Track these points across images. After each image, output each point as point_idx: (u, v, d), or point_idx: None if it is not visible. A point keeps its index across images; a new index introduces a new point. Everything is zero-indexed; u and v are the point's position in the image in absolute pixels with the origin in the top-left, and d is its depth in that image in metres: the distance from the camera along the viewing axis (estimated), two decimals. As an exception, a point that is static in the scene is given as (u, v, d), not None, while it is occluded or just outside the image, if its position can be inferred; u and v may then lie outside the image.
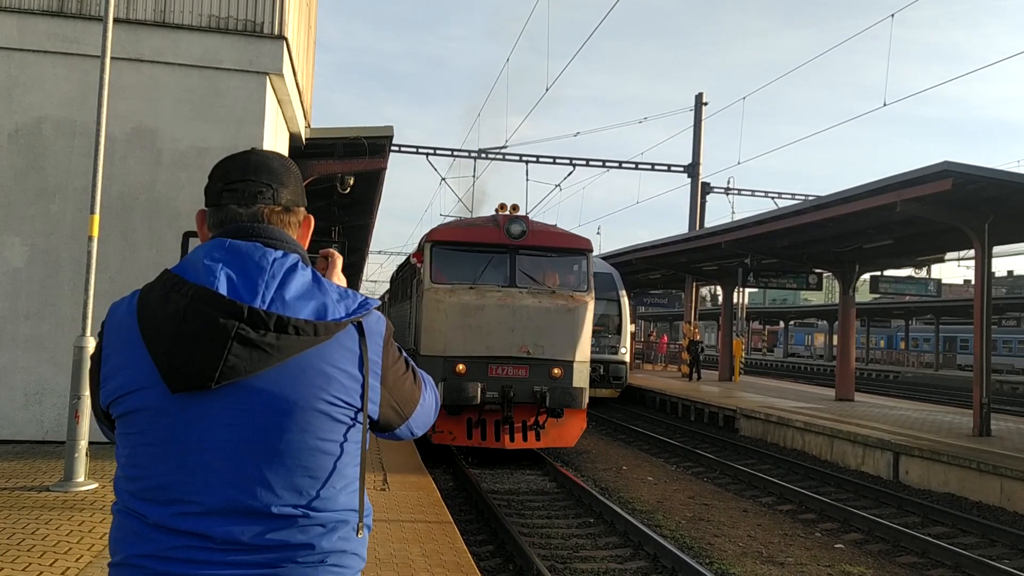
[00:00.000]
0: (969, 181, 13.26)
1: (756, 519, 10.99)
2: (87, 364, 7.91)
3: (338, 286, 1.73)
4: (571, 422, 13.62)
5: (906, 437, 14.45)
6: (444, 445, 13.59)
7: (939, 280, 26.82)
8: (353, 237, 25.54)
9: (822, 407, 19.84)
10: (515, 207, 14.16)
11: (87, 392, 7.65)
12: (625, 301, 23.44)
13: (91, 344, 7.75)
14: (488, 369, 12.88)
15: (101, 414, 1.74)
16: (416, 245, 18.13)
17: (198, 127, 10.56)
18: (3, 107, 10.34)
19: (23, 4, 10.28)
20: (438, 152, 31.05)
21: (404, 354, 1.87)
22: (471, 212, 30.18)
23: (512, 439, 13.22)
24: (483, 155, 31.73)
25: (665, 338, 46.90)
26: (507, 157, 31.50)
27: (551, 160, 30.39)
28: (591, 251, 14.28)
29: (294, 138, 13.79)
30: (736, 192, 33.03)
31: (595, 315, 15.19)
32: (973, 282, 15.70)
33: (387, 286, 31.22)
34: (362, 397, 1.70)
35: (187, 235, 11.28)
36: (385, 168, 15.90)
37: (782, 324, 75.74)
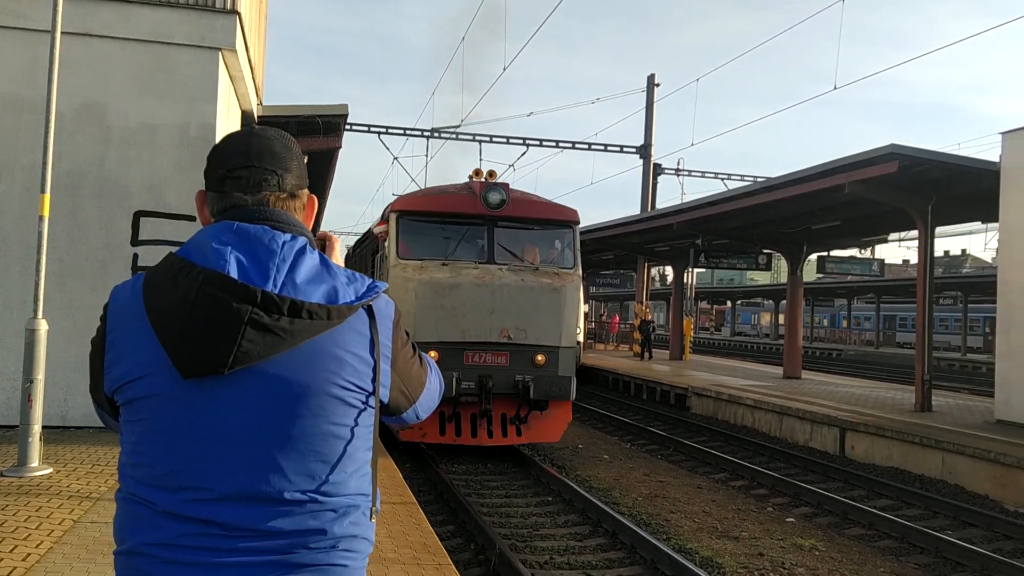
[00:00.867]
0: (914, 164, 13.61)
1: (710, 495, 11.23)
2: (40, 346, 7.77)
3: (345, 269, 1.72)
4: (556, 415, 12.32)
5: (851, 413, 14.86)
6: (413, 443, 12.28)
7: (882, 260, 27.55)
8: (304, 217, 25.20)
9: (771, 385, 20.28)
10: (492, 173, 12.58)
11: (41, 376, 7.48)
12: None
13: (43, 326, 7.56)
14: (464, 356, 11.54)
15: (104, 400, 1.71)
16: (372, 222, 17.10)
17: (149, 103, 10.30)
18: (-57, 81, 9.96)
19: (-37, -25, 9.89)
20: (391, 131, 30.78)
21: (410, 337, 1.87)
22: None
23: (490, 435, 11.96)
24: (436, 134, 31.52)
25: (617, 318, 47.34)
26: (460, 137, 31.35)
27: (505, 140, 30.35)
28: (578, 223, 12.80)
29: (246, 116, 13.54)
30: (687, 173, 33.39)
31: None
32: (912, 262, 16.15)
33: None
34: (374, 381, 1.70)
35: (138, 215, 11.09)
36: (339, 147, 15.72)
37: (729, 304, 77.00)
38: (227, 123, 11.45)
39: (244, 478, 1.60)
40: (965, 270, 74.14)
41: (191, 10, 10.43)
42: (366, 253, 16.31)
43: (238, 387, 1.60)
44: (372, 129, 30.74)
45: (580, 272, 12.45)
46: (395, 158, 31.04)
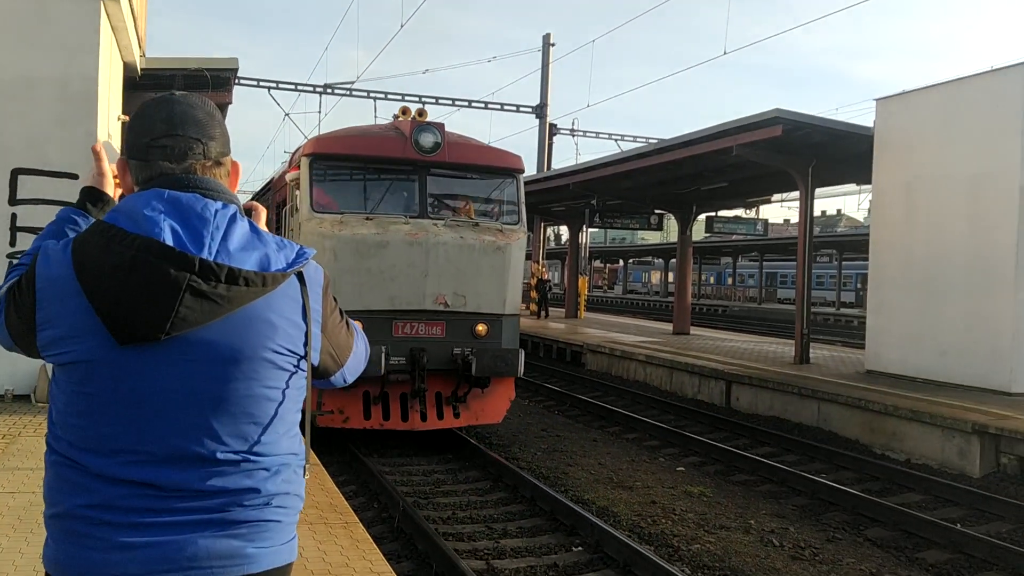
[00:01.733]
0: (797, 128, 14.23)
1: (605, 448, 11.65)
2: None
3: (275, 236, 1.77)
4: (498, 392, 10.90)
5: (736, 367, 15.61)
6: (332, 429, 10.22)
7: (766, 220, 28.74)
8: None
9: (661, 341, 21.02)
10: (422, 112, 10.82)
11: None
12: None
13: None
14: (392, 327, 9.99)
15: (25, 343, 1.70)
16: (273, 173, 15.00)
17: (26, 55, 9.70)
18: None
19: None
20: (281, 86, 29.84)
21: (337, 302, 1.94)
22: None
23: (424, 418, 10.38)
24: (329, 90, 30.78)
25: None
26: (354, 93, 30.72)
27: (400, 97, 29.89)
28: (523, 172, 11.24)
29: (128, 68, 12.92)
30: (581, 134, 33.79)
31: None
32: (793, 222, 16.96)
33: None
34: (305, 345, 1.77)
35: (16, 172, 10.48)
36: (230, 102, 15.21)
37: (621, 262, 78.80)
38: (109, 77, 10.92)
39: (180, 440, 1.65)
40: (840, 229, 78.07)
41: (68, -45, 9.84)
42: (268, 206, 14.81)
43: (174, 353, 1.63)
44: (262, 84, 29.70)
45: (525, 229, 11.08)
46: (287, 114, 30.29)
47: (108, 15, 10.39)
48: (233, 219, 1.70)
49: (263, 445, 1.72)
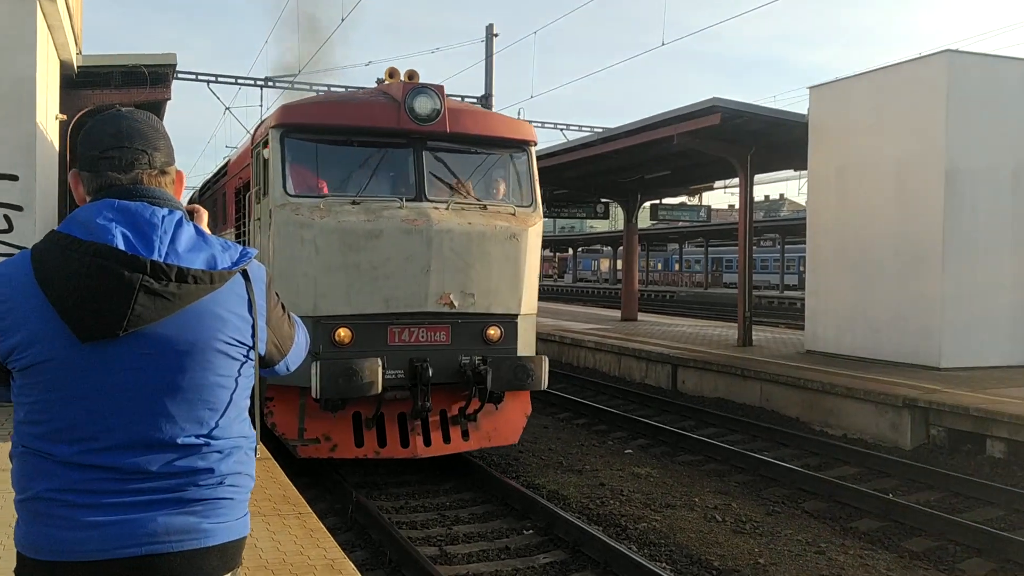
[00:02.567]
0: (734, 116, 14.60)
1: (555, 433, 11.90)
2: None
3: (218, 238, 1.94)
4: (512, 407, 9.26)
5: (682, 351, 16.00)
6: (318, 460, 8.77)
7: (709, 207, 29.31)
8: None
9: (610, 327, 21.37)
10: (412, 74, 9.10)
11: None
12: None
13: None
14: (388, 334, 8.38)
15: None
16: (216, 166, 14.40)
17: (-43, 54, 9.55)
18: None
19: None
20: (221, 79, 29.43)
21: (279, 297, 2.13)
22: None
23: (428, 442, 8.67)
24: (271, 83, 30.45)
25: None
26: (297, 86, 30.41)
27: (344, 89, 29.71)
28: (536, 144, 9.62)
29: (65, 66, 12.73)
30: (527, 124, 33.91)
31: None
32: (737, 207, 17.39)
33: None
34: (252, 336, 1.95)
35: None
36: (168, 98, 15.05)
37: (571, 251, 79.37)
38: (46, 75, 10.77)
39: (140, 428, 1.81)
40: (783, 213, 79.69)
41: (-1, -48, 9.69)
42: (218, 196, 12.93)
43: (132, 348, 1.79)
44: (200, 77, 29.20)
45: (541, 212, 9.42)
46: (227, 108, 29.82)
47: (44, 14, 10.25)
48: (179, 224, 1.87)
49: (217, 429, 1.90)
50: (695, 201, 29.63)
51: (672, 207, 26.14)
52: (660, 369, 15.74)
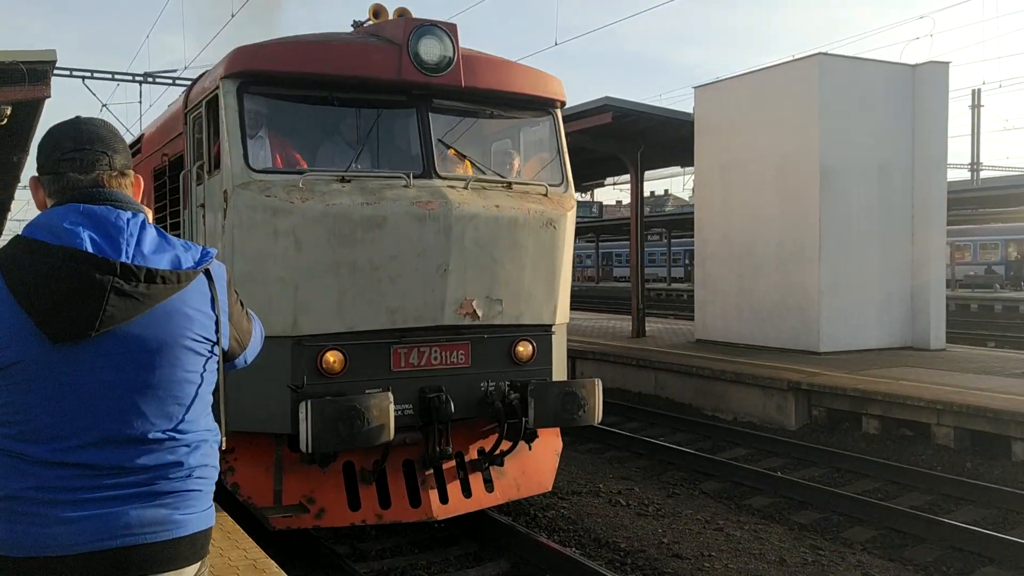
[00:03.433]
0: (625, 115, 15.09)
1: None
2: None
3: (180, 239, 2.03)
4: (542, 444, 7.29)
5: (579, 343, 16.41)
6: (296, 530, 6.59)
7: (600, 203, 30.04)
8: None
9: (507, 323, 21.59)
10: (403, 11, 7.27)
11: None
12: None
13: None
14: (392, 357, 6.38)
15: None
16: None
17: None
18: None
19: None
20: (96, 75, 28.18)
21: (239, 293, 2.23)
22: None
23: (445, 498, 6.73)
24: (151, 79, 29.35)
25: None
26: (179, 83, 29.44)
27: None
28: (565, 104, 7.54)
29: (-69, 60, 11.98)
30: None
31: None
32: (625, 202, 17.92)
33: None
34: (216, 332, 2.04)
35: None
36: (48, 96, 14.35)
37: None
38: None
39: (112, 425, 1.88)
40: (668, 208, 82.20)
41: None
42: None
43: (103, 347, 1.86)
44: (75, 73, 27.94)
45: (574, 194, 7.47)
46: (104, 105, 28.58)
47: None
48: (143, 226, 1.95)
49: (185, 423, 1.98)
50: (587, 197, 30.31)
51: (564, 203, 26.63)
52: (558, 362, 16.06)
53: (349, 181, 6.31)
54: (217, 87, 6.48)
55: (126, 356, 1.88)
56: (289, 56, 6.45)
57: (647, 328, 17.96)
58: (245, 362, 2.31)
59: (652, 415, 12.47)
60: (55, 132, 2.01)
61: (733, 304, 15.14)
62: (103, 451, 1.87)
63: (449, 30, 6.62)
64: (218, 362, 2.08)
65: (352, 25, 7.47)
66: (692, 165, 16.64)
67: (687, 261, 54.22)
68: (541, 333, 7.00)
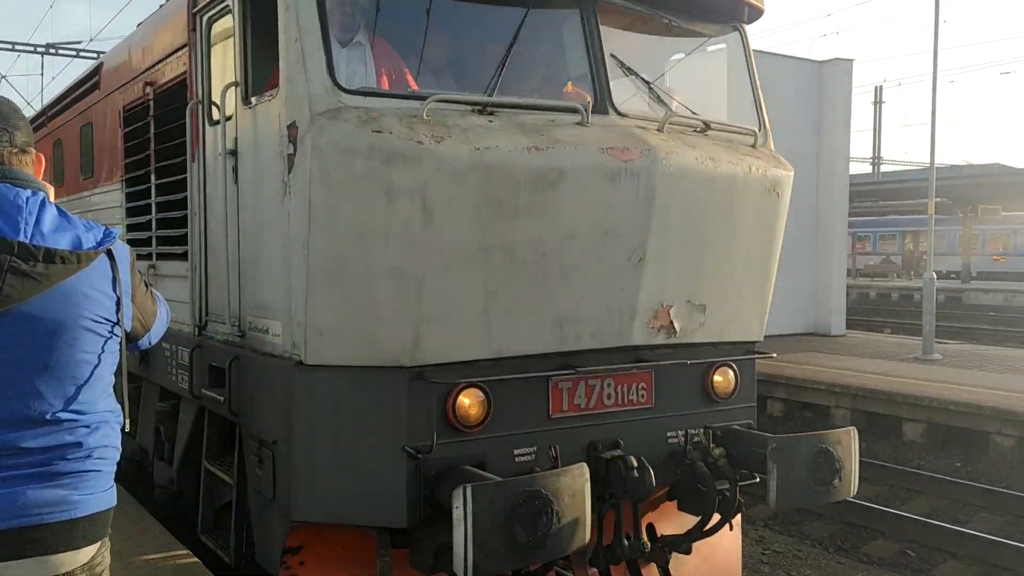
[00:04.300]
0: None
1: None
2: None
3: (80, 219, 2.03)
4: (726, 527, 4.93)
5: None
6: None
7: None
8: None
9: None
10: None
11: None
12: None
13: None
14: (551, 397, 4.25)
15: None
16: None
17: None
18: None
19: None
20: (-7, 44, 26.80)
21: (142, 274, 2.24)
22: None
23: None
24: (53, 51, 28.06)
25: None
26: (83, 55, 28.24)
27: (136, 61, 27.86)
28: (761, 14, 5.42)
29: None
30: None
31: None
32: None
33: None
34: (118, 313, 2.05)
35: None
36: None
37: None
38: None
39: (10, 406, 1.89)
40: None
41: None
42: (69, 132, 8.24)
43: (1, 328, 1.86)
44: (-31, 43, 26.54)
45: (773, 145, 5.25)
46: (3, 76, 27.27)
47: None
48: (43, 205, 1.94)
49: (84, 404, 1.99)
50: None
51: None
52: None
53: (493, 113, 4.03)
54: None
55: (23, 336, 1.87)
56: None
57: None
58: (149, 343, 2.32)
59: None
60: None
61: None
62: (1, 432, 1.86)
63: None
64: (120, 343, 2.08)
65: None
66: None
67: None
68: (745, 355, 4.99)
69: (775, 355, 5.55)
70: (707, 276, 4.57)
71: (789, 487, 4.32)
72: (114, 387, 2.11)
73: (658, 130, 4.42)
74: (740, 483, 4.61)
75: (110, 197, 6.90)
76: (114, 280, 2.03)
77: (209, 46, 4.92)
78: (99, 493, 2.02)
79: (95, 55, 28.52)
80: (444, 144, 3.75)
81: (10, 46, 26.82)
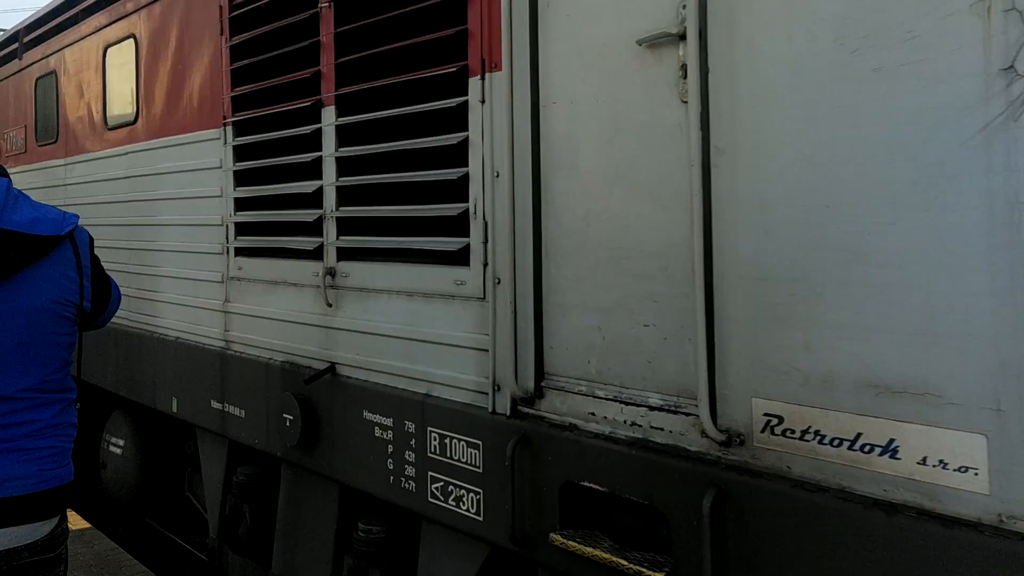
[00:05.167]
0: None
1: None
2: None
3: (45, 204, 2.25)
4: None
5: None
6: None
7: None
8: None
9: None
10: None
11: None
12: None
13: None
14: None
15: None
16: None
17: None
18: None
19: None
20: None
21: (98, 258, 2.40)
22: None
23: None
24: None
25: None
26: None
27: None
28: None
29: None
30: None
31: None
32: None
33: None
34: (79, 295, 2.27)
35: None
36: None
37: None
38: None
39: None
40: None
41: None
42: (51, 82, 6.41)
43: None
44: None
45: None
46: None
47: None
48: (9, 190, 2.16)
49: (50, 383, 2.20)
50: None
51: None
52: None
53: None
54: None
55: None
56: None
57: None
58: (103, 323, 2.48)
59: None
60: None
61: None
62: None
63: None
64: (78, 324, 2.28)
65: None
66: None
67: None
68: None
69: None
70: None
71: None
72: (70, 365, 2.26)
73: None
74: None
75: (192, 152, 4.68)
76: (77, 264, 2.24)
77: None
78: (60, 468, 2.20)
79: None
80: None
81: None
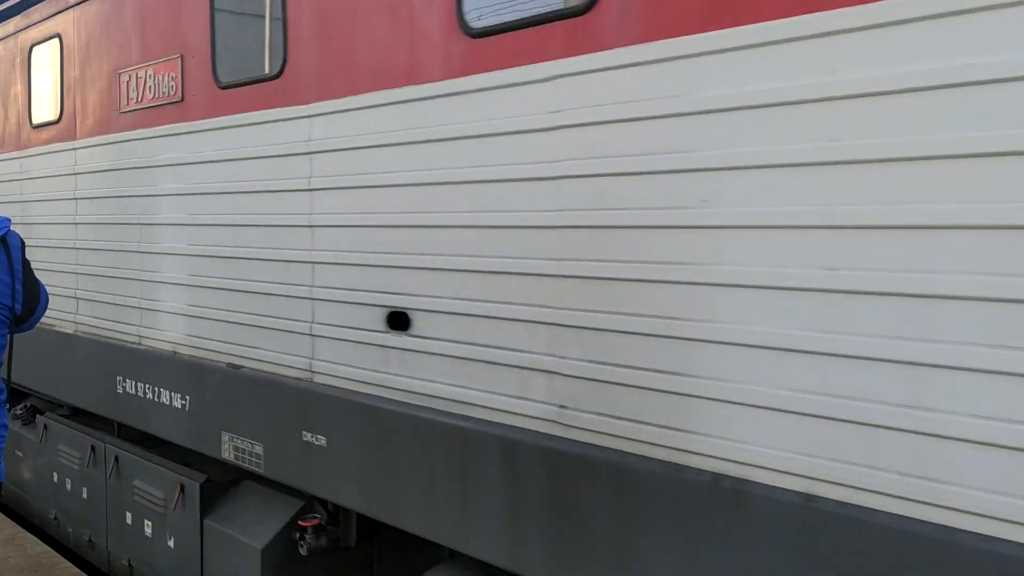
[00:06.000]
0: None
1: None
2: None
3: None
4: None
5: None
6: None
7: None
8: None
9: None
10: None
11: None
12: None
13: None
14: None
15: None
16: None
17: None
18: None
19: None
20: None
21: (28, 261, 2.42)
22: None
23: None
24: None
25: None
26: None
27: None
28: None
29: None
30: None
31: None
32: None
33: None
34: (11, 297, 2.30)
35: None
36: None
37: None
38: None
39: None
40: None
41: None
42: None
43: None
44: None
45: None
46: None
47: None
48: None
49: None
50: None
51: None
52: None
53: None
54: None
55: None
56: None
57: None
58: (31, 326, 2.43)
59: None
60: None
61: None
62: None
63: None
64: (10, 325, 2.29)
65: None
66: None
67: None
68: None
69: None
70: None
71: None
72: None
73: None
74: None
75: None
76: (9, 267, 2.28)
77: None
78: None
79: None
80: None
81: None
